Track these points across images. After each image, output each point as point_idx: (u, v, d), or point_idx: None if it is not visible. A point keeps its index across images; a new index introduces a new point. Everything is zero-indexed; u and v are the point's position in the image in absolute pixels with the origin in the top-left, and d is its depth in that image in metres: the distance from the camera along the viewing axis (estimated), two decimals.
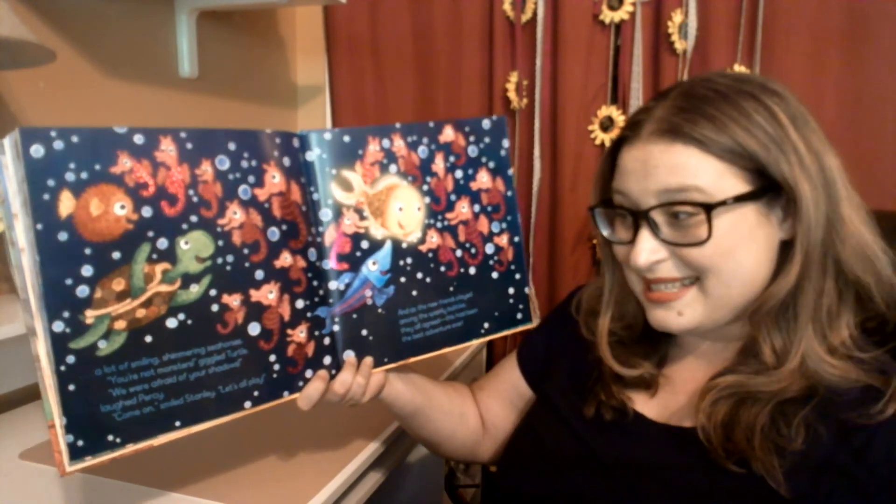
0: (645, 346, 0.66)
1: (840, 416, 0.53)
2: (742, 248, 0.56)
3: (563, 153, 1.37)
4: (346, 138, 0.61)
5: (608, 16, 1.29)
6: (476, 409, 0.77)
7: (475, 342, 0.70)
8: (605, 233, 0.64)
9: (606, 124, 1.34)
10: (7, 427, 0.81)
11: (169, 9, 1.19)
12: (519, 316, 0.72)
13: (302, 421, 0.80)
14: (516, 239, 0.71)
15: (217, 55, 1.31)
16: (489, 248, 0.69)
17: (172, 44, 1.21)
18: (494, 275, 0.70)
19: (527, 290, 0.72)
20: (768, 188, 0.56)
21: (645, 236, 0.57)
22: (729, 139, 0.54)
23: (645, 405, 0.64)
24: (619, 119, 1.32)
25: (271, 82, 1.50)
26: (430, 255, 0.66)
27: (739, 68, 1.23)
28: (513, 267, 0.71)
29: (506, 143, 0.70)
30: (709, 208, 0.54)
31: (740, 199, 0.55)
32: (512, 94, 1.38)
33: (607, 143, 1.34)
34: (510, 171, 0.70)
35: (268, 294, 0.56)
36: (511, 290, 0.71)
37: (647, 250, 0.57)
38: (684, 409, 0.61)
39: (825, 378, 0.55)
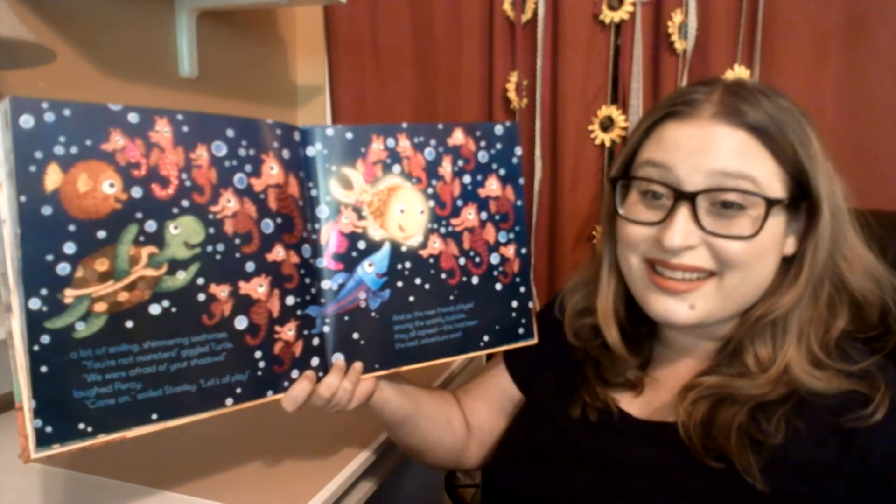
0: (629, 350, 0.65)
1: (826, 419, 0.53)
2: (770, 252, 0.56)
3: (564, 153, 1.36)
4: (349, 135, 0.59)
5: (608, 16, 1.29)
6: (461, 415, 0.76)
7: (473, 355, 0.67)
8: (622, 211, 0.61)
9: (606, 124, 1.33)
10: (7, 427, 0.81)
11: (169, 9, 1.19)
12: (521, 331, 0.69)
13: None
14: (523, 251, 0.68)
15: (217, 55, 1.31)
16: (494, 259, 0.66)
17: (172, 44, 1.21)
18: (498, 286, 0.67)
19: (530, 304, 0.69)
20: (801, 201, 0.57)
21: (684, 217, 0.55)
22: (786, 141, 0.55)
23: (631, 404, 0.64)
24: (620, 119, 1.32)
25: (271, 82, 1.51)
26: (431, 260, 0.63)
27: (739, 68, 1.23)
28: (518, 279, 0.68)
29: (518, 150, 0.67)
30: (770, 203, 0.54)
31: (789, 204, 0.56)
32: (512, 94, 1.38)
33: (607, 143, 1.34)
34: (521, 180, 0.68)
35: (257, 287, 0.54)
36: (514, 304, 0.68)
37: (684, 232, 0.54)
38: (668, 405, 0.61)
39: (807, 387, 0.55)
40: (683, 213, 0.55)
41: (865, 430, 0.52)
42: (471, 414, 0.76)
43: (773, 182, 0.55)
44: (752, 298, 0.58)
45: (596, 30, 1.32)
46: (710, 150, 0.55)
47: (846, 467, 0.52)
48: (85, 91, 1.04)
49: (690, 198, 0.55)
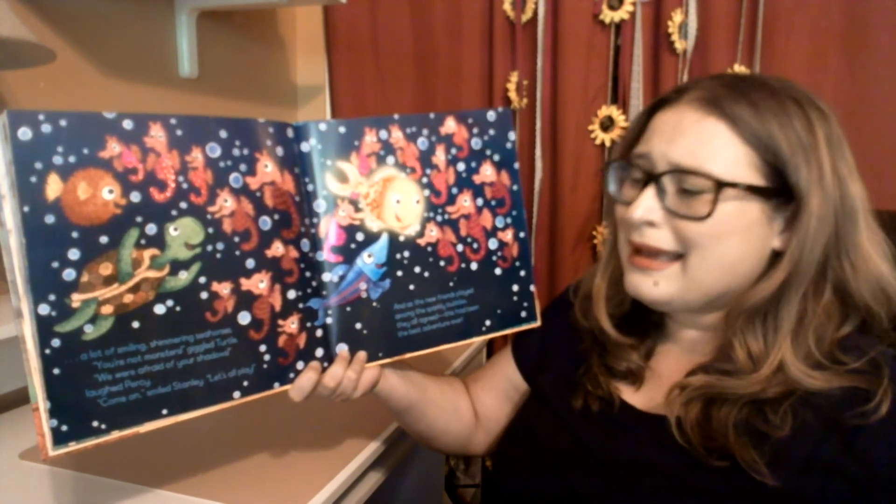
0: (633, 338, 0.67)
1: (829, 415, 0.53)
2: (735, 237, 0.57)
3: (564, 153, 1.36)
4: (342, 129, 0.61)
5: (608, 16, 1.29)
6: (469, 403, 0.77)
7: (475, 340, 0.68)
8: (612, 189, 0.65)
9: (606, 124, 1.34)
10: (7, 427, 0.81)
11: (169, 9, 1.20)
12: (523, 314, 0.70)
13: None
14: (521, 235, 0.69)
15: (217, 55, 1.31)
16: (492, 244, 0.67)
17: (172, 44, 1.21)
18: (497, 271, 0.68)
19: (532, 287, 0.70)
20: (780, 192, 0.56)
21: (649, 194, 0.58)
22: (762, 127, 0.55)
23: (632, 397, 0.64)
24: (620, 119, 1.32)
25: (271, 82, 1.51)
26: (429, 249, 0.64)
27: (739, 68, 1.23)
28: (517, 263, 0.69)
29: (512, 135, 0.68)
30: (720, 185, 0.55)
31: (752, 189, 0.56)
32: (512, 94, 1.38)
33: (607, 143, 1.34)
34: (516, 165, 0.68)
35: (258, 283, 0.55)
36: (515, 288, 0.69)
37: (646, 207, 0.58)
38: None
39: (805, 387, 0.55)
40: (649, 191, 0.58)
41: (868, 431, 0.52)
42: (478, 402, 0.78)
43: (739, 168, 0.56)
44: (719, 283, 0.59)
45: (596, 30, 1.32)
46: (676, 136, 0.58)
47: (848, 468, 0.52)
48: (85, 91, 1.05)
49: (657, 178, 0.58)
